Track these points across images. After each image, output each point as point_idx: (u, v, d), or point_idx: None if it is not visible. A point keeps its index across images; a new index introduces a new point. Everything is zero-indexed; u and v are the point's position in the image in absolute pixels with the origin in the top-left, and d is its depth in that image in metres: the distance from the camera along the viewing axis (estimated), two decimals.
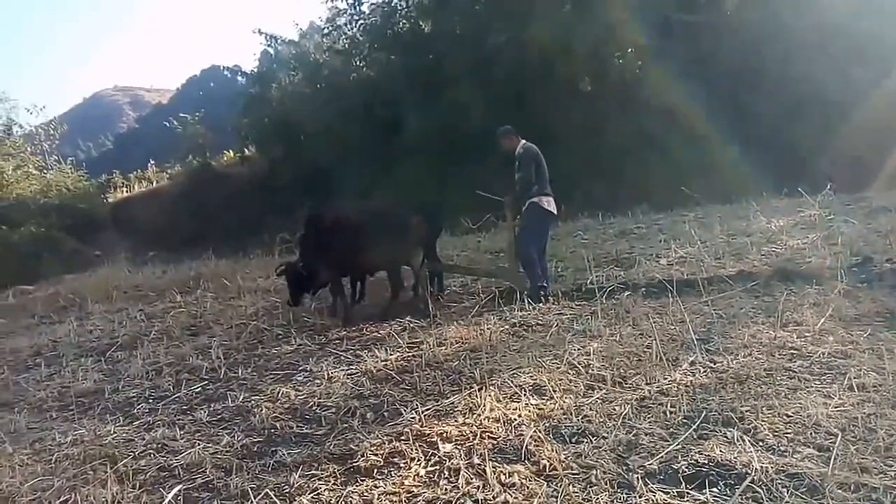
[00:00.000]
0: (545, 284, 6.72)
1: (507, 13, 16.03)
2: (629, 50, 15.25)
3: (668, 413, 3.54)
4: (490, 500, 2.92)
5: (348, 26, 20.34)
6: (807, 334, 4.52)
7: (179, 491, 3.17)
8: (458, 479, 3.13)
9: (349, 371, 4.99)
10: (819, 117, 13.96)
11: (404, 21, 19.17)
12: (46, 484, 3.65)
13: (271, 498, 3.14)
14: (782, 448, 3.08)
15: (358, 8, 19.77)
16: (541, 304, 6.20)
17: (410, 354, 5.20)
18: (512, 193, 7.03)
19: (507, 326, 5.69)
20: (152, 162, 32.73)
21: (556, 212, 7.07)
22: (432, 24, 18.44)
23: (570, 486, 2.92)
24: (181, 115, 26.48)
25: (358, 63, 20.83)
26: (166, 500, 2.96)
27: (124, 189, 28.80)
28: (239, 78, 28.85)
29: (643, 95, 15.17)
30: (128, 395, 5.24)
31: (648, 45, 15.11)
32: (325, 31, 21.59)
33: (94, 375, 5.93)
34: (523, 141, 7.09)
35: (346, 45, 20.57)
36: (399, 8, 19.23)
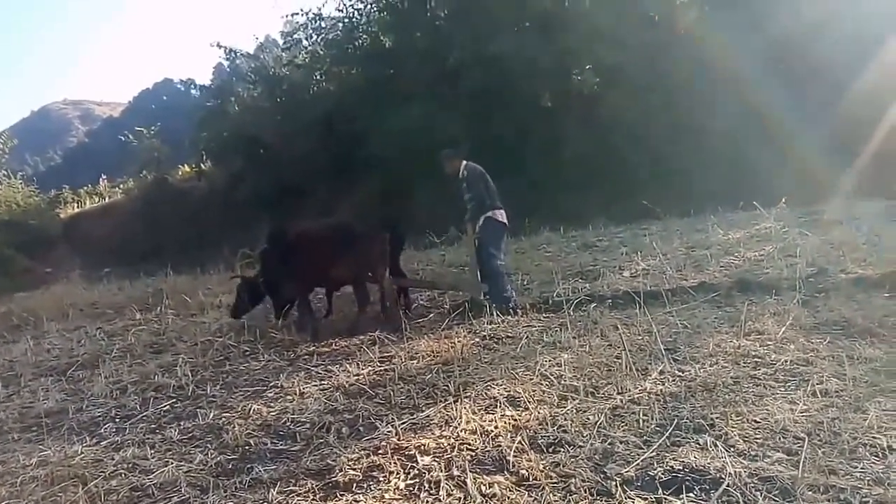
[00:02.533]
0: (512, 296, 6.82)
1: (469, 30, 16.22)
2: (587, 67, 15.55)
3: (641, 421, 3.62)
4: None
5: (308, 40, 20.33)
6: (769, 343, 4.67)
7: None
8: (438, 492, 3.15)
9: (321, 386, 4.96)
10: (771, 133, 14.38)
11: (365, 36, 19.22)
12: None
13: None
14: (753, 453, 3.18)
15: (318, 22, 19.75)
16: (509, 317, 6.27)
17: (382, 368, 5.20)
18: (468, 214, 7.14)
19: (477, 339, 5.73)
20: (104, 177, 32.10)
21: (507, 223, 7.19)
22: (394, 39, 18.53)
23: (551, 495, 2.97)
24: (136, 128, 26.03)
25: (318, 77, 20.81)
26: None
27: (75, 204, 28.15)
28: (193, 91, 28.59)
29: (603, 111, 15.48)
30: (93, 414, 5.12)
31: (607, 62, 15.42)
32: (285, 44, 21.50)
33: (55, 395, 5.77)
34: (465, 162, 7.22)
35: (307, 59, 20.54)
36: (360, 23, 19.26)
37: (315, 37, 20.04)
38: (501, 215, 7.08)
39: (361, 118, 17.84)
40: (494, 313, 6.33)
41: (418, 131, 15.86)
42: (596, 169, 15.29)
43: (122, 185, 29.90)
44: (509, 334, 5.78)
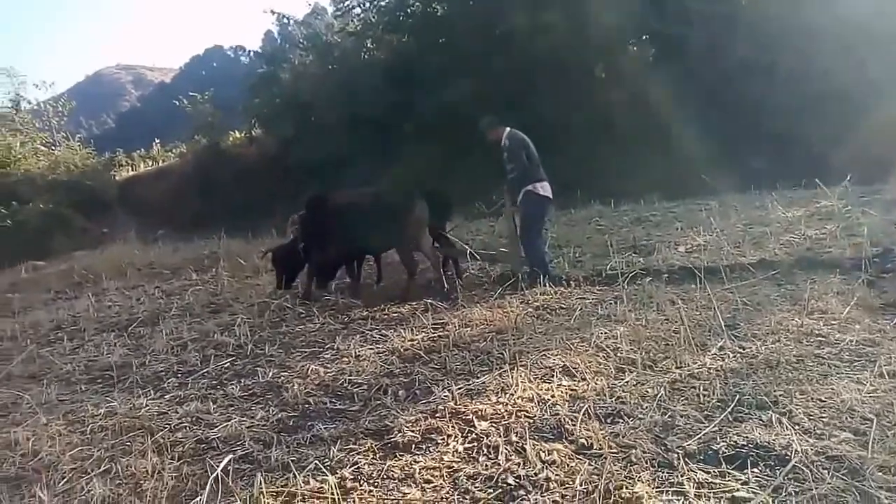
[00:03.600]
0: (547, 271, 6.77)
1: None
2: (643, 37, 15.19)
3: (701, 396, 3.58)
4: (531, 477, 2.96)
5: (361, 7, 20.24)
6: (833, 322, 4.55)
7: (230, 461, 3.19)
8: (497, 456, 3.17)
9: (376, 350, 5.03)
10: (835, 112, 13.90)
11: (418, 3, 19.05)
12: (86, 454, 3.71)
13: (313, 470, 3.20)
14: (819, 431, 3.11)
15: None
16: (562, 288, 6.24)
17: (436, 335, 5.24)
18: (508, 184, 7.07)
19: (530, 309, 5.72)
20: (157, 141, 32.69)
21: (551, 196, 7.06)
22: (446, 7, 18.34)
23: (612, 465, 2.96)
24: (190, 93, 26.37)
25: (369, 45, 20.75)
26: (219, 469, 2.99)
27: (129, 168, 28.79)
28: (242, 58, 28.99)
29: (658, 84, 15.10)
30: (155, 369, 5.29)
31: (664, 33, 15.03)
32: (338, 11, 21.45)
33: (118, 350, 5.99)
34: (507, 129, 7.06)
35: (358, 27, 20.49)
36: None
37: (367, 4, 19.98)
38: (544, 188, 6.93)
39: (411, 87, 17.78)
40: (547, 284, 6.31)
41: (468, 101, 15.74)
42: (648, 143, 14.99)
43: (174, 150, 30.45)
44: (562, 305, 5.76)
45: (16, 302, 9.57)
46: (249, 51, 25.76)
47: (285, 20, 22.56)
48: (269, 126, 22.79)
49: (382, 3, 19.69)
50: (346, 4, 20.79)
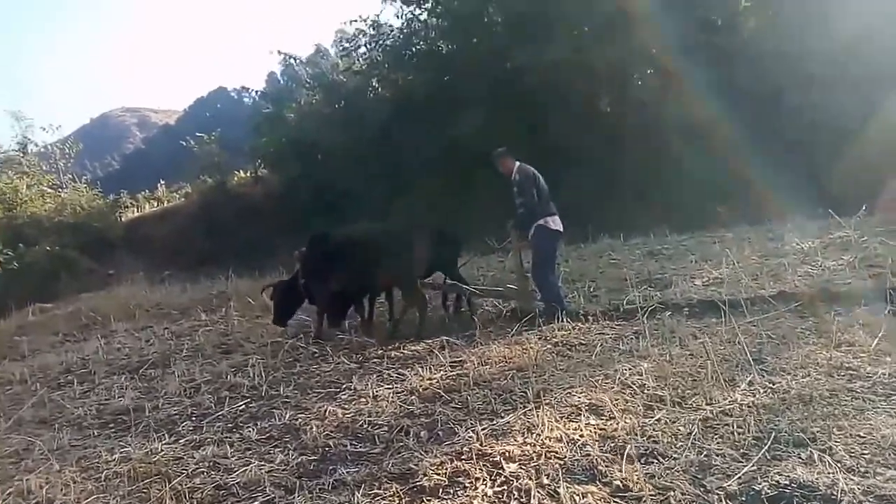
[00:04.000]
0: (563, 306, 6.69)
1: (526, 35, 16.12)
2: (648, 71, 15.32)
3: (735, 434, 3.47)
4: None
5: (367, 47, 20.52)
6: (862, 355, 4.44)
7: None
8: (529, 500, 3.06)
9: (394, 389, 4.93)
10: (838, 140, 13.92)
11: (423, 43, 19.30)
12: (102, 502, 3.60)
13: None
14: (862, 469, 3.00)
15: (378, 29, 19.93)
16: (580, 324, 6.15)
17: (455, 373, 5.14)
18: (516, 218, 7.03)
19: (549, 346, 5.63)
20: (162, 182, 32.92)
21: (561, 229, 7.02)
22: (451, 46, 18.57)
23: None
24: (197, 133, 26.61)
25: (375, 84, 20.97)
26: None
27: (134, 209, 28.91)
28: (245, 99, 29.35)
29: (663, 116, 15.19)
30: (169, 412, 5.20)
31: (668, 66, 15.16)
32: (343, 51, 21.76)
33: (130, 393, 5.89)
34: (518, 163, 7.05)
35: (364, 66, 20.73)
36: (418, 29, 19.35)
37: (373, 43, 20.24)
38: (555, 222, 6.91)
39: (417, 124, 17.90)
40: (564, 320, 6.23)
41: (474, 137, 15.81)
42: (655, 176, 15.02)
43: (179, 191, 30.62)
44: (582, 341, 5.66)
45: (24, 345, 9.50)
46: (256, 91, 26.08)
47: (291, 60, 22.83)
48: (276, 165, 22.97)
49: (388, 43, 19.95)
50: (351, 44, 21.06)
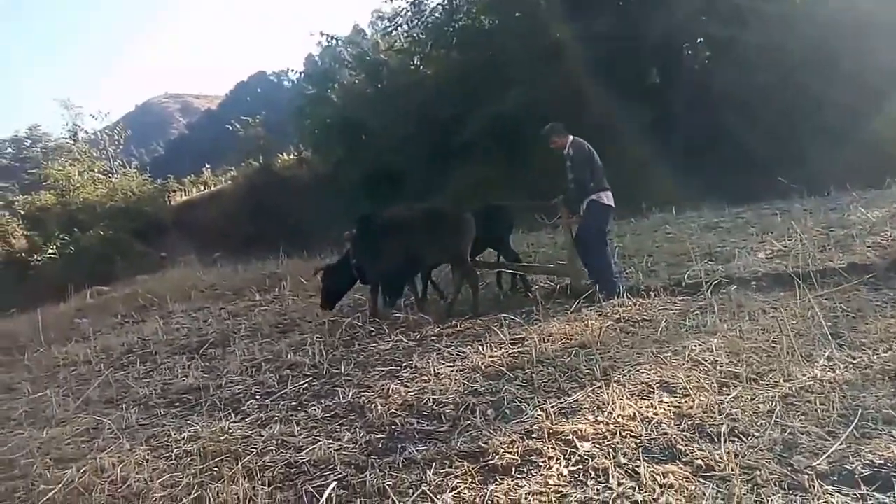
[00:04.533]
0: (617, 281, 6.58)
1: (570, 7, 15.77)
2: (698, 41, 14.87)
3: (819, 411, 3.33)
4: (649, 502, 2.77)
5: (409, 24, 20.34)
6: None
7: (335, 488, 3.08)
8: (607, 480, 2.98)
9: (456, 367, 4.88)
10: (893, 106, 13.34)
11: (466, 18, 19.04)
12: (174, 480, 3.63)
13: (413, 496, 3.06)
14: None
15: (419, 6, 19.74)
16: (641, 299, 6.01)
17: (516, 351, 5.07)
18: (567, 194, 6.91)
19: (610, 322, 5.50)
20: (207, 166, 33.41)
21: (613, 205, 6.87)
22: (494, 20, 18.30)
23: (737, 488, 2.75)
24: (242, 117, 26.88)
25: (417, 62, 20.82)
26: (325, 496, 2.88)
27: (181, 193, 29.42)
28: (285, 82, 29.56)
29: (714, 87, 14.73)
30: (233, 391, 5.24)
31: (718, 35, 14.68)
32: (385, 29, 21.61)
33: (192, 372, 5.96)
34: (572, 137, 6.89)
35: (405, 45, 20.57)
36: (460, 5, 19.09)
37: (415, 21, 20.06)
38: (607, 197, 6.76)
39: (460, 102, 17.73)
40: (624, 295, 6.10)
41: (518, 114, 15.61)
42: (707, 148, 14.62)
43: (225, 174, 31.03)
44: (645, 317, 5.53)
45: (85, 327, 9.74)
46: (299, 72, 26.14)
47: (333, 41, 22.76)
48: (320, 146, 23.05)
49: (429, 20, 19.74)
50: (393, 23, 20.91)
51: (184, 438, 4.25)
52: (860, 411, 3.26)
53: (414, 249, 6.87)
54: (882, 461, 2.81)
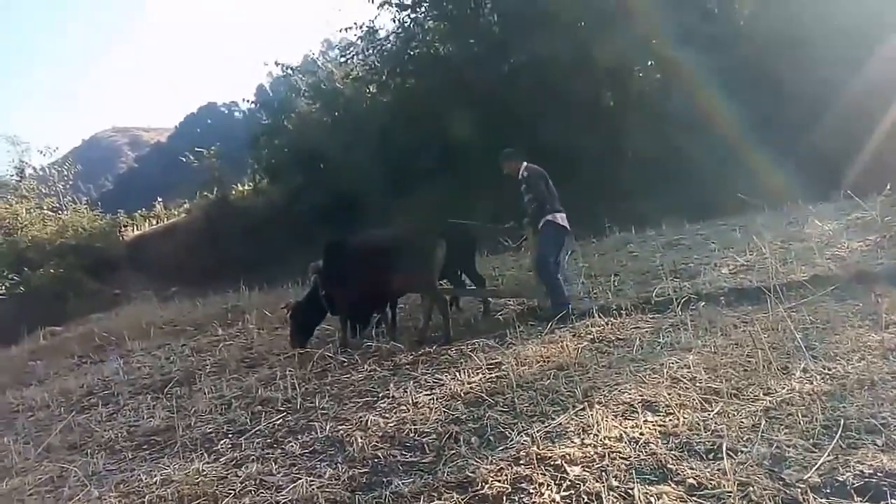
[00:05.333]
0: (569, 302, 6.67)
1: (524, 34, 16.02)
2: (649, 63, 15.24)
3: (802, 423, 3.36)
4: None
5: (364, 52, 20.38)
6: None
7: None
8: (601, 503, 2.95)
9: (434, 395, 4.80)
10: (844, 123, 13.82)
11: (421, 46, 19.17)
12: None
13: None
14: None
15: (372, 35, 19.83)
16: (612, 319, 6.04)
17: (494, 375, 5.02)
18: (529, 215, 7.02)
19: (585, 343, 5.51)
20: (159, 199, 32.81)
21: (568, 227, 7.00)
22: (449, 48, 18.47)
23: None
24: (196, 149, 26.48)
25: (374, 89, 20.85)
26: None
27: (132, 228, 28.77)
28: (236, 113, 29.33)
29: (666, 108, 15.09)
30: (203, 430, 5.07)
31: (668, 57, 15.08)
32: (341, 56, 21.61)
33: (159, 413, 5.77)
34: (525, 163, 7.07)
35: (363, 73, 20.60)
36: (416, 33, 19.23)
37: (370, 49, 20.12)
38: (562, 219, 6.90)
39: (417, 128, 17.79)
40: (597, 315, 6.13)
41: (474, 139, 15.72)
42: (662, 168, 14.91)
43: (178, 207, 30.48)
44: (619, 336, 5.55)
45: (40, 369, 9.38)
46: (251, 102, 25.88)
47: (288, 70, 22.69)
48: (277, 176, 22.84)
49: (385, 48, 19.81)
50: (348, 52, 20.94)
51: (156, 483, 4.09)
52: (842, 422, 3.29)
53: (383, 275, 6.77)
54: (871, 471, 2.83)
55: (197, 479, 4.01)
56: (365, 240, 7.42)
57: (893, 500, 2.62)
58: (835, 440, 3.13)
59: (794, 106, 14.85)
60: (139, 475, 4.30)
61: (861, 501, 2.66)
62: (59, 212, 26.59)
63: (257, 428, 4.85)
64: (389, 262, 6.71)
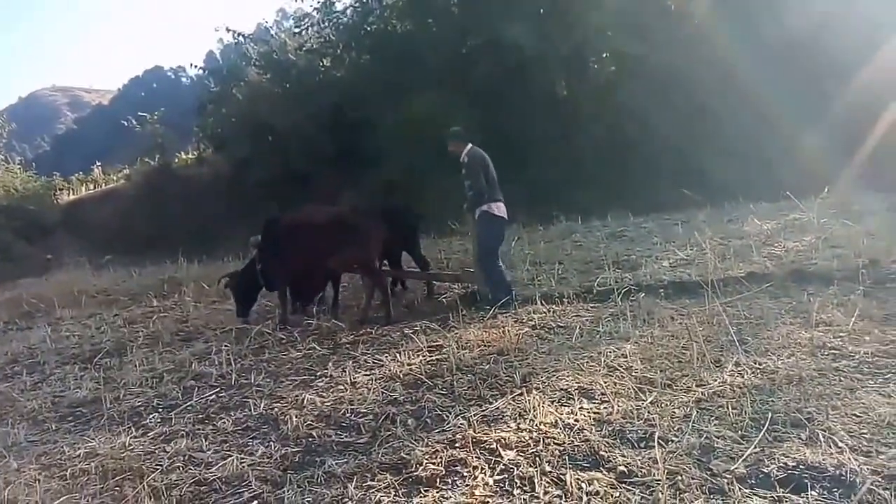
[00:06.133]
0: (510, 292, 6.63)
1: (483, 16, 15.92)
2: (604, 55, 15.37)
3: (731, 415, 3.44)
4: None
5: (319, 25, 19.93)
6: (842, 334, 4.48)
7: None
8: (533, 489, 2.96)
9: (373, 376, 4.77)
10: (788, 126, 14.23)
11: (379, 22, 18.86)
12: (71, 502, 3.36)
13: None
14: (864, 448, 3.00)
15: (329, 7, 19.42)
16: (554, 306, 6.07)
17: (434, 358, 5.01)
18: (468, 201, 6.90)
19: (527, 329, 5.53)
20: (98, 163, 31.65)
21: (506, 216, 6.89)
22: (407, 26, 18.23)
23: (659, 493, 2.78)
24: (139, 113, 25.55)
25: (327, 63, 20.43)
26: None
27: (68, 192, 27.67)
28: (183, 79, 28.44)
29: (618, 101, 15.26)
30: (132, 404, 4.93)
31: (623, 49, 15.23)
32: (296, 27, 21.06)
33: (86, 384, 5.58)
34: (469, 146, 6.91)
35: (317, 46, 20.15)
36: (374, 8, 18.91)
37: (326, 22, 19.68)
38: (499, 208, 6.75)
39: (370, 105, 17.54)
40: (541, 303, 6.16)
41: (428, 120, 15.57)
42: (611, 160, 15.09)
43: (118, 173, 29.42)
44: (560, 324, 5.59)
45: None
46: (200, 67, 25.08)
47: (240, 37, 22.02)
48: (224, 145, 22.17)
49: (342, 21, 19.43)
50: (303, 22, 20.41)
51: (79, 455, 3.97)
52: (770, 415, 3.38)
53: (320, 254, 6.70)
54: (794, 463, 2.91)
55: (123, 453, 3.91)
56: (303, 217, 7.28)
57: (813, 493, 2.70)
58: (762, 433, 3.22)
59: (743, 107, 15.19)
60: (62, 447, 4.16)
61: (784, 492, 2.73)
62: None
63: (189, 403, 4.74)
64: (326, 241, 6.64)
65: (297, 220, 7.19)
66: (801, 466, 2.89)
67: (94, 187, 28.32)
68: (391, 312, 6.63)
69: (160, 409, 4.71)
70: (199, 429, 4.21)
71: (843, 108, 14.14)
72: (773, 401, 3.57)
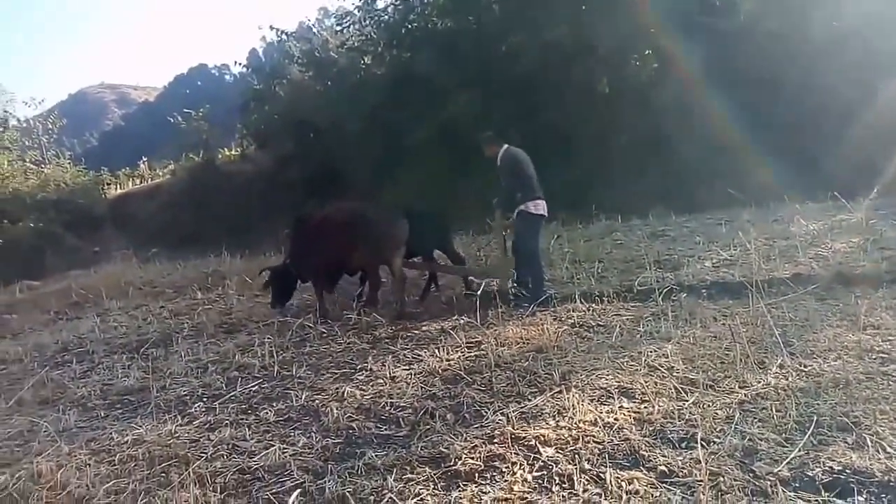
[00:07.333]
0: (543, 290, 6.65)
1: (525, 13, 15.85)
2: (647, 52, 15.16)
3: (775, 417, 3.39)
4: None
5: (361, 23, 20.07)
6: (891, 338, 4.38)
7: (298, 496, 2.96)
8: (572, 486, 2.97)
9: (412, 370, 4.81)
10: (840, 124, 13.85)
11: (420, 20, 18.90)
12: (119, 486, 3.46)
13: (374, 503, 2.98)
14: None
15: (372, 5, 19.56)
16: (594, 305, 6.03)
17: (473, 354, 5.03)
18: (499, 198, 7.00)
19: (566, 327, 5.52)
20: (144, 159, 32.34)
21: (545, 213, 6.90)
22: (448, 24, 18.23)
23: (702, 494, 2.76)
24: (185, 110, 26.05)
25: (368, 61, 20.57)
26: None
27: (115, 186, 28.35)
28: (227, 76, 28.87)
29: (661, 98, 15.02)
30: (178, 393, 5.03)
31: (667, 47, 15.00)
32: (338, 25, 21.21)
33: (133, 373, 5.71)
34: (505, 146, 6.93)
35: (359, 43, 20.28)
36: (415, 6, 18.96)
37: (367, 20, 19.81)
38: (536, 206, 6.74)
39: (411, 104, 17.58)
40: (580, 301, 6.13)
41: (470, 116, 15.57)
42: (652, 158, 14.87)
43: (163, 168, 30.05)
44: (599, 322, 5.57)
45: (14, 323, 9.26)
46: (243, 66, 25.48)
47: (283, 35, 22.36)
48: (267, 142, 22.56)
49: (383, 19, 19.53)
50: (345, 20, 20.56)
51: (127, 442, 4.07)
52: (815, 418, 3.33)
53: (341, 249, 6.86)
54: (840, 467, 2.87)
55: (169, 440, 4.01)
56: (327, 214, 7.46)
57: (860, 498, 2.66)
58: (806, 436, 3.17)
59: (789, 105, 14.85)
60: (111, 433, 4.28)
61: (829, 497, 2.69)
62: (42, 165, 26.09)
63: (232, 393, 4.82)
64: (347, 237, 6.78)
65: (320, 217, 7.42)
66: (847, 471, 2.84)
67: (141, 182, 28.95)
68: (405, 308, 6.81)
69: (205, 399, 4.80)
70: (242, 418, 4.29)
71: (892, 106, 13.74)
72: (818, 404, 3.51)
